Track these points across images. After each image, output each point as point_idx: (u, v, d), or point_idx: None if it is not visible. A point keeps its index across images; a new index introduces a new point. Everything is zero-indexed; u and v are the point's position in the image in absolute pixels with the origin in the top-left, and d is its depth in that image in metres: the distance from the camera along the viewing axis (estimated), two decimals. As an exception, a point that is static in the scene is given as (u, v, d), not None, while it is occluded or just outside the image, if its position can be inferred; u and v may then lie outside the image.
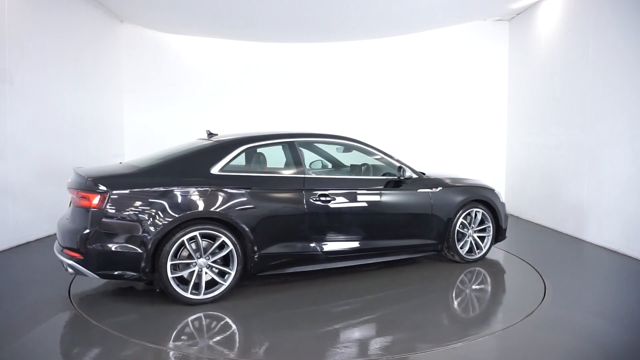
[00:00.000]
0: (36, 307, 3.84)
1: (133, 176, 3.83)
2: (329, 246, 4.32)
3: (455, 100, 9.12)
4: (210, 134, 4.77)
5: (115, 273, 3.68)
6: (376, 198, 4.56)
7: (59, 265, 4.90)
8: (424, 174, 4.99)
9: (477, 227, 5.06)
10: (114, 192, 3.64)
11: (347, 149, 4.92)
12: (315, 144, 5.07)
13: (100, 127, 8.05)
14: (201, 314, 3.68)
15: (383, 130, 9.19)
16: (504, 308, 3.98)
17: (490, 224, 5.11)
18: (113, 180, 3.75)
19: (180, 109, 9.10)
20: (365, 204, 4.50)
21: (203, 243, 3.80)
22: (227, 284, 3.87)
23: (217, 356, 3.02)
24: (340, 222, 4.39)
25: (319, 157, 5.25)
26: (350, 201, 4.43)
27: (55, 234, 4.10)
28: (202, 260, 3.79)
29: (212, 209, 3.81)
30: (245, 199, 3.96)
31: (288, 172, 4.38)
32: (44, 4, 6.39)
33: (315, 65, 9.30)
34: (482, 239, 5.13)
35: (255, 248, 3.97)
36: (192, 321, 3.57)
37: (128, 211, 3.65)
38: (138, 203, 3.67)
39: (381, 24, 8.26)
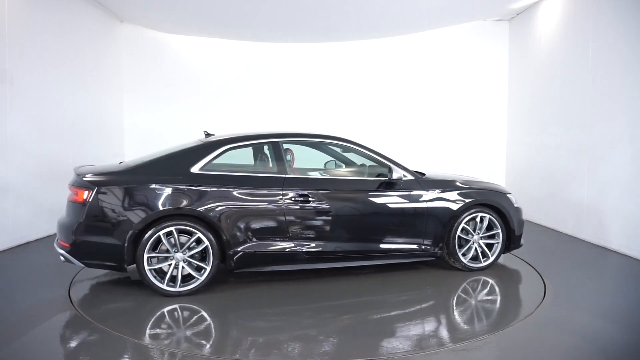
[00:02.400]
0: (36, 307, 3.85)
1: (118, 174, 4.10)
2: (309, 247, 4.29)
3: (455, 100, 9.12)
4: (208, 135, 4.85)
5: (98, 262, 4.04)
6: (360, 199, 4.44)
7: (59, 265, 4.94)
8: (423, 174, 4.85)
9: (483, 233, 4.76)
10: (97, 188, 3.93)
11: (341, 149, 4.88)
12: (304, 144, 4.89)
13: (100, 127, 8.06)
14: (176, 305, 3.72)
15: (383, 130, 9.19)
16: (504, 308, 3.98)
17: (500, 230, 4.77)
18: (99, 177, 4.03)
19: (180, 109, 9.10)
20: (348, 205, 4.40)
21: (182, 238, 4.01)
22: (202, 278, 4.03)
23: (190, 351, 3.03)
24: (320, 222, 4.33)
25: (331, 158, 5.14)
26: (332, 202, 4.34)
27: (55, 234, 4.28)
28: (179, 255, 3.98)
29: (187, 206, 3.98)
30: (222, 197, 4.08)
31: (268, 172, 4.43)
32: (44, 4, 6.39)
33: (315, 65, 9.30)
34: (491, 246, 4.84)
35: (232, 245, 4.09)
36: (173, 312, 3.60)
37: (110, 206, 3.93)
38: (119, 199, 3.94)
39: (381, 24, 8.27)
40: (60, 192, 6.52)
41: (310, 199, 4.27)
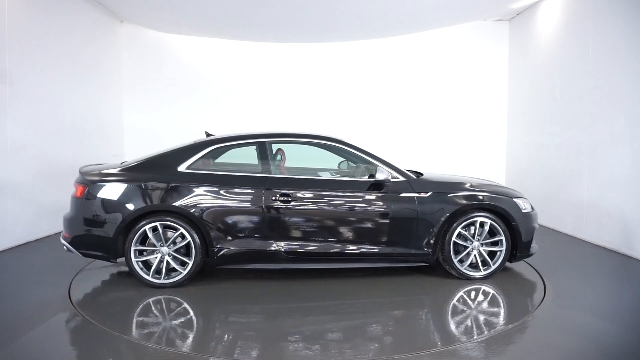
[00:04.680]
0: (36, 307, 3.85)
1: (111, 172, 4.37)
2: (290, 246, 4.30)
3: (455, 100, 9.13)
4: (209, 135, 4.92)
5: (92, 253, 4.32)
6: (344, 200, 4.35)
7: (59, 265, 4.99)
8: (420, 174, 4.76)
9: (484, 239, 4.49)
10: (91, 184, 4.25)
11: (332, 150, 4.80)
12: (291, 144, 4.86)
13: (100, 127, 8.06)
14: (165, 299, 3.71)
15: (383, 130, 9.20)
16: (504, 308, 3.98)
17: (503, 237, 4.47)
18: (94, 174, 4.35)
19: (180, 109, 9.11)
20: (330, 206, 4.33)
21: (169, 233, 4.24)
22: (185, 272, 4.23)
23: (180, 350, 3.03)
24: (301, 223, 4.31)
25: (343, 159, 5.03)
26: (314, 203, 4.30)
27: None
28: (164, 249, 4.21)
29: (170, 203, 4.20)
30: (204, 195, 4.24)
31: (252, 172, 4.46)
32: (44, 4, 6.39)
33: (315, 65, 9.30)
34: (495, 254, 4.56)
35: (214, 242, 4.23)
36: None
37: (101, 201, 4.21)
38: (110, 195, 4.21)
39: (381, 24, 8.27)
40: (60, 192, 6.53)
41: (291, 199, 4.27)
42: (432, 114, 9.20)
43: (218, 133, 5.11)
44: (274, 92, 9.27)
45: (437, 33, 9.08)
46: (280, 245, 4.29)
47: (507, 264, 4.76)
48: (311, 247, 4.33)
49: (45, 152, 6.43)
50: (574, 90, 6.64)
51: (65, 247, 4.35)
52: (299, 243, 4.31)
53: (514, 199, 4.60)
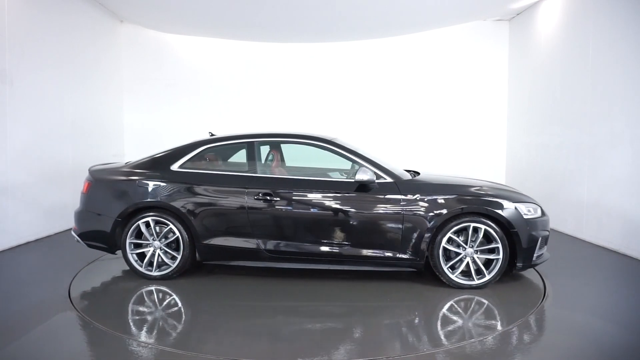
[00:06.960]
0: (36, 307, 3.85)
1: (111, 170, 4.68)
2: (272, 245, 4.35)
3: (455, 100, 9.13)
4: (212, 136, 4.98)
5: (96, 244, 4.61)
6: (326, 201, 4.29)
7: (59, 265, 5.03)
8: (417, 173, 4.72)
9: (478, 246, 4.22)
10: (94, 182, 4.60)
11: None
12: (280, 144, 4.95)
13: (100, 127, 8.06)
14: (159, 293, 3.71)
15: (383, 130, 9.20)
16: (504, 308, 3.98)
17: (500, 245, 4.18)
18: (97, 172, 4.69)
19: (180, 109, 9.11)
20: (312, 206, 4.30)
21: (164, 229, 4.46)
22: (173, 266, 4.46)
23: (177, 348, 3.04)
24: (283, 222, 4.33)
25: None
26: (296, 202, 4.31)
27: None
28: (156, 243, 4.46)
29: (160, 200, 4.42)
30: (192, 193, 4.43)
31: (237, 171, 4.57)
32: (44, 4, 6.39)
33: (315, 65, 9.31)
34: (492, 262, 4.28)
35: (200, 237, 4.41)
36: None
37: (101, 197, 4.55)
38: (108, 192, 4.54)
39: (381, 24, 8.27)
40: (60, 191, 6.54)
41: (274, 198, 4.30)
42: (432, 114, 9.20)
43: (220, 133, 5.12)
44: (274, 92, 9.27)
45: (437, 33, 9.08)
46: (263, 244, 4.36)
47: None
48: (293, 246, 4.35)
49: (45, 152, 6.43)
50: (574, 90, 6.64)
51: (75, 238, 4.67)
52: (281, 242, 4.36)
53: (516, 204, 4.26)
